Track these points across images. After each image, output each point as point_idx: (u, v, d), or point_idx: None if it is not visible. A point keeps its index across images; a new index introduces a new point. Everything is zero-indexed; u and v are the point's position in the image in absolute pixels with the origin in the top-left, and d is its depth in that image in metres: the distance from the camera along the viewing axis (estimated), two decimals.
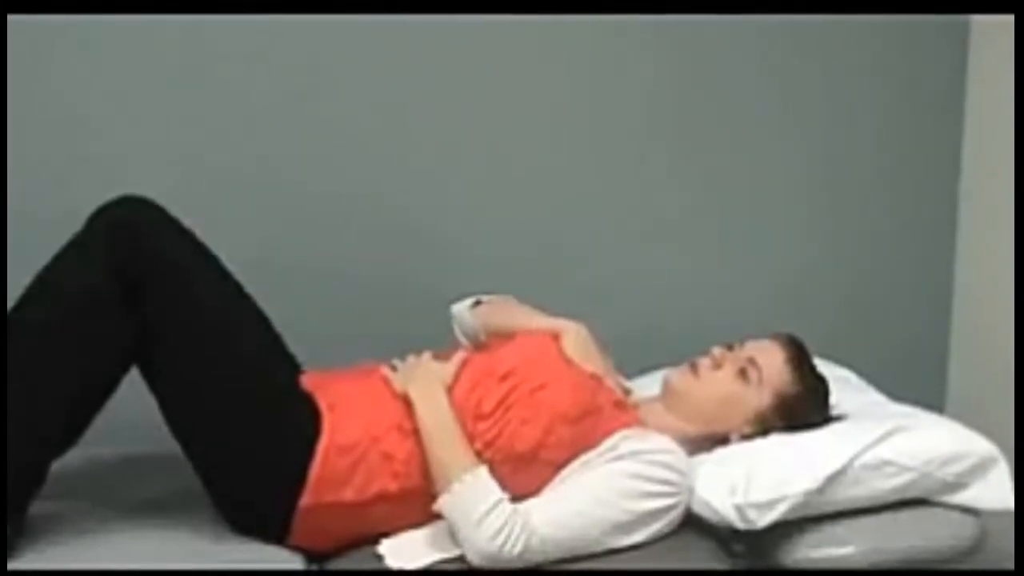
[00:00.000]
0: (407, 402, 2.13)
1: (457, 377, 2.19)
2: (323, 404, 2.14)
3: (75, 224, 2.08)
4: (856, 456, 2.10)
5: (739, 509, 2.08)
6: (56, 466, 2.09)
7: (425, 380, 2.17)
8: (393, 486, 2.09)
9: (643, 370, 2.58)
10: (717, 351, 2.28)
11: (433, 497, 2.03)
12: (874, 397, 2.50)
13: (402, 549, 2.06)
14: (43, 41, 2.59)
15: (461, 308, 2.48)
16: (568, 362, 2.26)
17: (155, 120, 2.69)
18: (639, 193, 2.97)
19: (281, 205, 2.76)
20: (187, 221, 2.14)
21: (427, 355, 2.25)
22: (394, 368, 2.23)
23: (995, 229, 2.95)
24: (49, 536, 2.05)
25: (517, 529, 1.97)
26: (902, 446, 2.13)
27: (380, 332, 2.61)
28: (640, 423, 2.19)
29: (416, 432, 2.09)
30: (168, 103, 2.69)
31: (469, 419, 2.12)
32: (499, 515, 1.98)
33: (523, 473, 2.09)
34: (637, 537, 2.07)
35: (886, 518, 2.13)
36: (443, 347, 2.35)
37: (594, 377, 2.25)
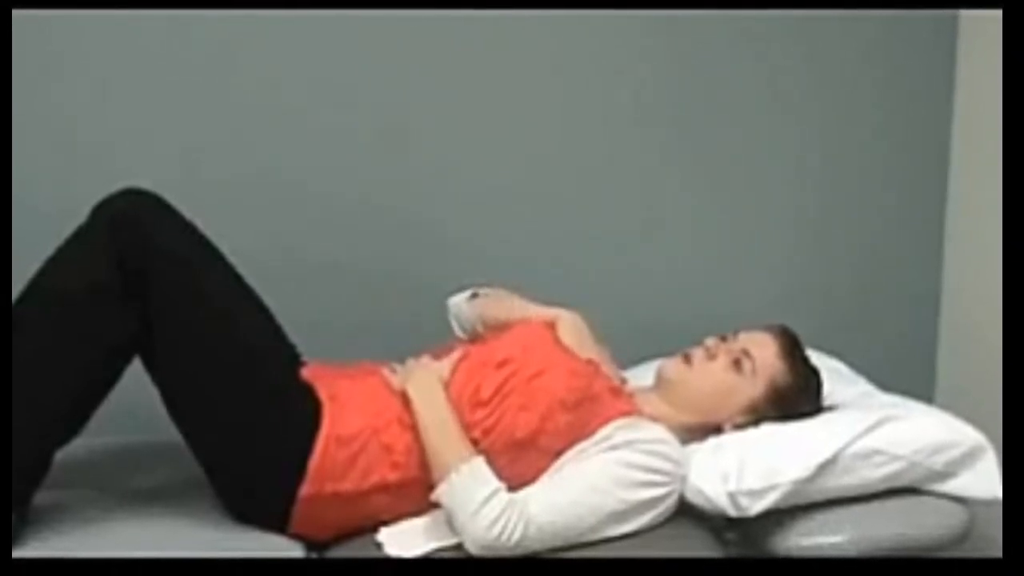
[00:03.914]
0: (405, 399, 2.15)
1: (454, 371, 2.21)
2: (324, 395, 2.15)
3: (78, 216, 2.09)
4: (847, 445, 2.12)
5: (732, 497, 2.10)
6: (59, 455, 2.10)
7: (422, 376, 2.19)
8: (392, 477, 2.10)
9: (637, 361, 2.59)
10: (711, 342, 2.30)
11: (432, 487, 2.05)
12: (864, 388, 2.52)
13: (401, 537, 2.08)
14: (45, 36, 2.59)
15: (458, 301, 2.49)
16: (565, 349, 2.28)
17: (158, 114, 2.69)
18: (634, 187, 2.98)
19: (282, 199, 2.76)
20: (189, 215, 2.15)
21: (425, 357, 2.27)
22: (394, 371, 2.25)
23: (983, 221, 2.96)
24: (53, 525, 2.07)
25: (514, 518, 1.99)
26: (892, 435, 2.16)
27: (381, 325, 2.62)
28: (636, 410, 2.21)
29: (415, 426, 2.11)
30: (171, 98, 2.69)
31: (467, 407, 2.14)
32: (496, 504, 1.99)
33: (520, 461, 2.10)
34: (632, 525, 2.08)
35: (876, 507, 2.15)
36: (443, 340, 2.37)
37: (591, 364, 2.26)
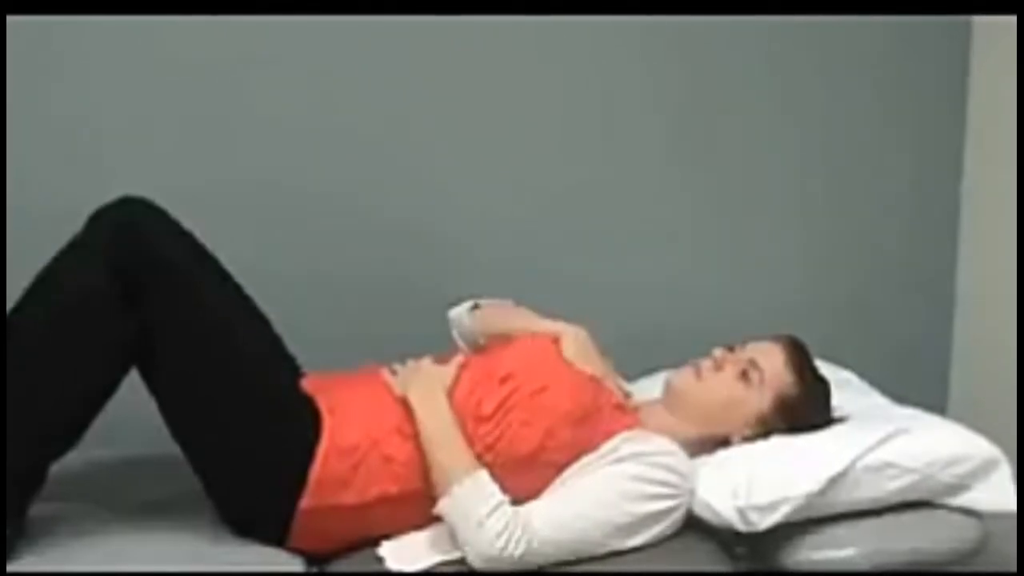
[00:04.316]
0: (407, 406, 2.13)
1: (456, 380, 2.19)
2: (323, 407, 2.14)
3: (75, 224, 2.07)
4: (858, 458, 2.09)
5: (741, 511, 2.08)
6: (56, 468, 2.09)
7: (425, 383, 2.17)
8: (393, 489, 2.08)
9: (645, 372, 2.58)
10: (718, 353, 2.28)
11: (433, 500, 2.03)
12: (876, 399, 2.50)
13: (403, 551, 2.06)
14: (43, 41, 2.59)
15: (459, 312, 2.49)
16: (568, 365, 2.26)
17: (155, 122, 2.68)
18: (641, 196, 2.97)
19: (282, 207, 2.75)
20: (187, 223, 2.14)
21: (427, 359, 2.25)
22: (394, 372, 2.23)
23: (997, 230, 2.95)
24: (48, 538, 2.05)
25: (518, 531, 1.97)
26: (904, 448, 2.13)
27: (381, 334, 2.61)
28: (641, 425, 2.19)
29: (416, 435, 2.09)
30: (169, 104, 2.68)
31: (469, 422, 2.12)
32: (500, 517, 1.97)
33: (524, 475, 2.08)
34: (639, 539, 2.06)
35: (888, 520, 2.13)
36: (444, 349, 2.35)
37: (594, 379, 2.24)
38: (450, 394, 2.15)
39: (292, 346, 2.31)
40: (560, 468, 2.10)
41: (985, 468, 2.16)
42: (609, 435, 2.12)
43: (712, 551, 2.13)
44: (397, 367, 2.25)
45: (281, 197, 2.75)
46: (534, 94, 2.87)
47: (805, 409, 2.25)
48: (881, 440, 2.13)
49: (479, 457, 2.07)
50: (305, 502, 2.06)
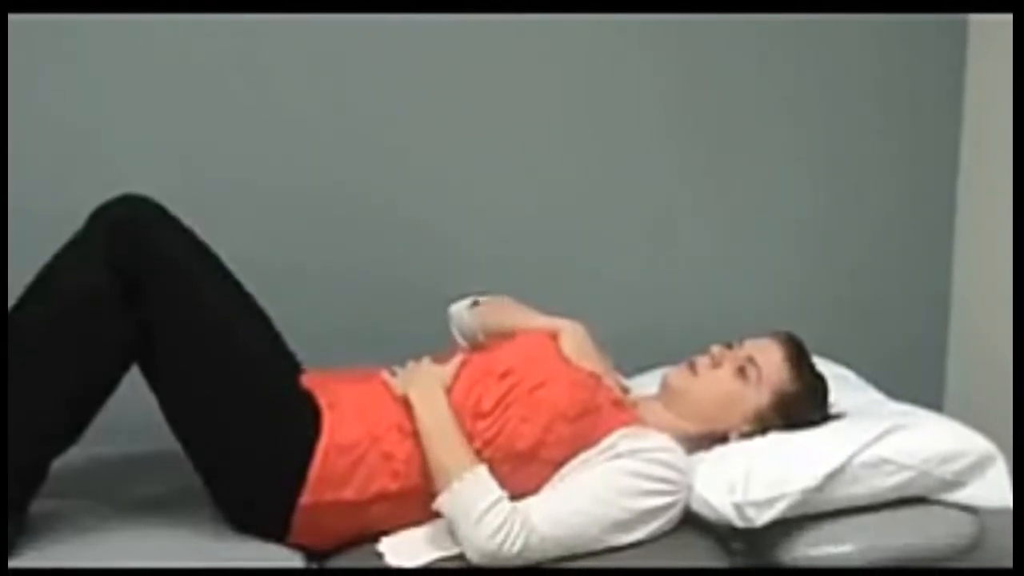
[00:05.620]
0: (407, 404, 2.13)
1: (456, 377, 2.19)
2: (323, 403, 2.14)
3: (75, 223, 2.08)
4: (855, 454, 2.10)
5: (738, 507, 2.08)
6: (57, 464, 2.09)
7: (424, 381, 2.17)
8: (393, 485, 2.09)
9: (642, 369, 2.58)
10: (716, 350, 2.28)
11: (433, 496, 2.03)
12: (873, 396, 2.50)
13: (402, 547, 2.07)
14: (43, 40, 2.59)
15: (459, 308, 2.49)
16: (566, 361, 2.27)
17: (156, 119, 2.68)
18: (638, 193, 2.97)
19: (281, 205, 2.76)
20: (187, 220, 2.14)
21: (426, 360, 2.26)
22: (394, 374, 2.23)
23: (993, 228, 2.95)
24: (50, 534, 2.05)
25: (516, 527, 1.98)
26: (901, 444, 2.13)
27: (381, 331, 2.62)
28: (639, 422, 2.19)
29: (416, 432, 2.10)
30: (169, 103, 2.68)
31: (468, 418, 2.13)
32: (498, 513, 1.98)
33: (522, 471, 2.09)
34: (636, 535, 2.07)
35: (885, 516, 2.13)
36: (443, 347, 2.35)
37: (593, 376, 2.24)
38: (449, 391, 2.16)
39: (292, 343, 2.31)
40: (558, 464, 2.10)
41: (981, 464, 2.17)
42: (607, 431, 2.12)
43: (709, 547, 2.14)
44: (396, 369, 2.25)
45: (281, 196, 2.75)
46: (534, 93, 2.87)
47: (802, 406, 2.25)
48: (878, 436, 2.13)
49: (478, 453, 2.08)
50: (305, 498, 2.06)
